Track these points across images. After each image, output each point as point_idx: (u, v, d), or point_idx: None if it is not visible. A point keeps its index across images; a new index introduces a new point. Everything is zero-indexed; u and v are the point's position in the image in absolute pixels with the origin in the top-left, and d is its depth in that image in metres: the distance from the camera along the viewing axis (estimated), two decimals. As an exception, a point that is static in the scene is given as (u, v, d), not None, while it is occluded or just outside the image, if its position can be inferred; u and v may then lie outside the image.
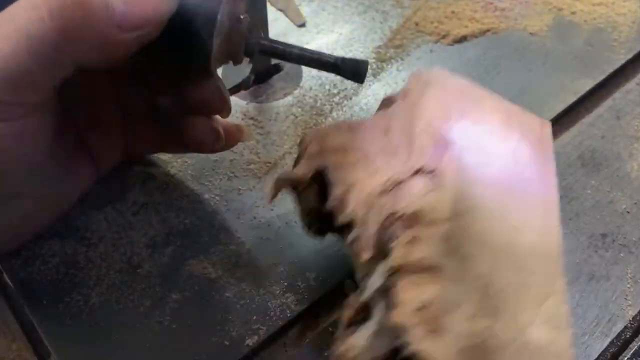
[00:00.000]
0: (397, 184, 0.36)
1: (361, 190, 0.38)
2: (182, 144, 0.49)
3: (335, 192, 0.39)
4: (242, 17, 0.42)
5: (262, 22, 0.58)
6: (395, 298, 0.31)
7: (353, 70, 0.44)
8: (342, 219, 0.39)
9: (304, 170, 0.41)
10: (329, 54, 0.45)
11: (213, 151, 0.51)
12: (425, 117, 0.41)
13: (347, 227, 0.39)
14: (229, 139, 0.49)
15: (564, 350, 0.32)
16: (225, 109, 0.47)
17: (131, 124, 0.49)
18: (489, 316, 0.32)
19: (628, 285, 0.48)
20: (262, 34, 0.44)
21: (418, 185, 0.36)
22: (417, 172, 0.36)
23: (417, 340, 0.29)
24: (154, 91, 0.47)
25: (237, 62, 0.44)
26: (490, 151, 0.41)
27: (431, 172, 0.36)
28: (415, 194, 0.35)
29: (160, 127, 0.49)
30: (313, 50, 0.45)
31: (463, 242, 0.34)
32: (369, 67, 0.62)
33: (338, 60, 0.44)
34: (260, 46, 0.44)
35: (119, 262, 0.48)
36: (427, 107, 0.42)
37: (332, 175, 0.40)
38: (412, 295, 0.31)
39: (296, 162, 0.43)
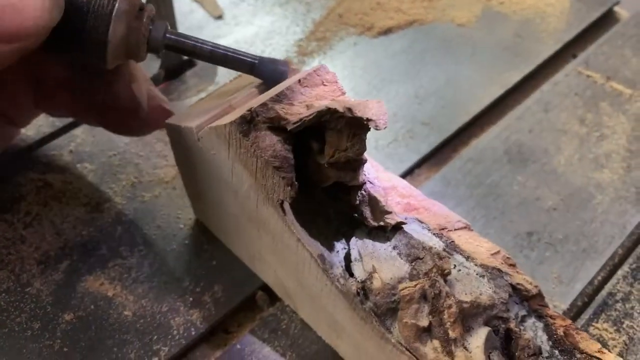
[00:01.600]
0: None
1: None
2: (99, 114, 0.44)
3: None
4: (143, 8, 0.37)
5: (169, 14, 0.53)
6: None
7: (271, 73, 0.39)
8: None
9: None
10: (246, 53, 0.39)
11: (131, 130, 0.45)
12: None
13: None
14: (153, 118, 0.44)
15: None
16: (139, 110, 0.42)
17: (40, 88, 0.44)
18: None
19: (553, 286, 0.46)
20: (169, 27, 0.39)
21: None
22: None
23: None
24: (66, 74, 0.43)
25: (139, 58, 0.39)
26: None
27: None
28: None
29: (74, 95, 0.44)
30: (228, 48, 0.39)
31: None
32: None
33: (256, 61, 0.39)
34: (166, 42, 0.38)
35: (6, 280, 0.44)
36: None
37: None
38: None
39: None
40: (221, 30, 0.62)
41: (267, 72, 0.39)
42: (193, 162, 0.42)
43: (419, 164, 0.54)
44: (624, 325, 0.45)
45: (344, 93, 0.36)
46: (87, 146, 0.52)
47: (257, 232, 0.40)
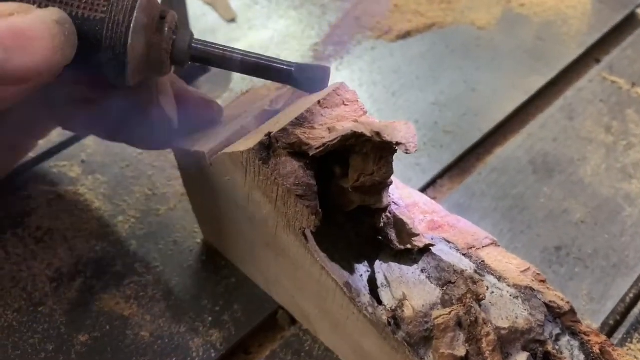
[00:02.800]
0: None
1: None
2: (126, 132, 0.41)
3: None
4: (165, 17, 0.33)
5: (182, 19, 0.51)
6: None
7: (309, 81, 0.35)
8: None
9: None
10: (280, 60, 0.35)
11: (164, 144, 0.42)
12: None
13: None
14: (196, 113, 0.40)
15: None
16: (167, 123, 0.39)
17: (62, 107, 0.41)
18: None
19: (583, 304, 0.45)
20: (194, 36, 0.35)
21: None
22: None
23: None
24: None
25: (163, 72, 0.35)
26: None
27: None
28: None
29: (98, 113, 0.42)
30: (261, 56, 0.35)
31: None
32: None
33: (292, 68, 0.35)
34: (192, 52, 0.34)
35: (18, 299, 0.42)
36: None
37: None
38: None
39: None
40: (235, 33, 0.61)
41: (305, 80, 0.35)
42: (203, 186, 0.40)
43: (441, 175, 0.53)
44: (658, 345, 0.43)
45: (365, 112, 0.34)
46: (98, 156, 0.50)
47: (274, 258, 0.38)
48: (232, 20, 0.62)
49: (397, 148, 0.30)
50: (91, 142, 0.51)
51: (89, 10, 0.31)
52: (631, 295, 0.46)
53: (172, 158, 0.50)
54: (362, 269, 0.35)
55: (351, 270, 0.34)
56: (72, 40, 0.31)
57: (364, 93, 0.57)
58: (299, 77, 0.35)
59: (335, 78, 0.58)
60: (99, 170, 0.50)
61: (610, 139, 0.55)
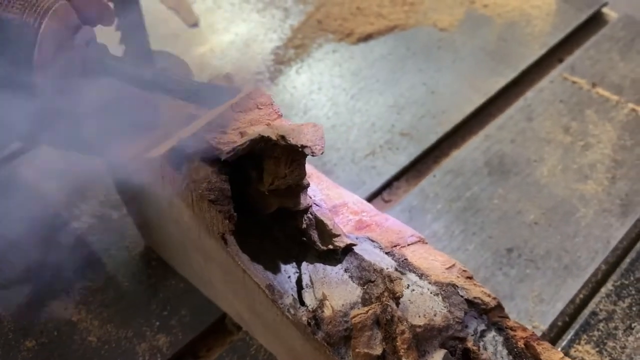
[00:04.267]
0: None
1: None
2: None
3: None
4: (79, 30, 0.35)
5: (137, 26, 0.52)
6: None
7: (213, 101, 0.36)
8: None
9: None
10: (191, 81, 0.36)
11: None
12: None
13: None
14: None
15: None
16: None
17: None
18: None
19: (533, 305, 0.45)
20: (107, 51, 0.36)
21: None
22: None
23: None
24: None
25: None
26: None
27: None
28: None
29: None
30: (173, 76, 0.36)
31: None
32: (268, 69, 0.57)
33: (199, 89, 0.35)
34: (102, 66, 0.35)
35: (-33, 306, 0.42)
36: None
37: None
38: None
39: None
40: (196, 38, 0.61)
41: (209, 99, 0.36)
42: (133, 192, 0.40)
43: (397, 177, 0.53)
44: (607, 347, 0.43)
45: (280, 116, 0.35)
46: (54, 164, 0.51)
47: (204, 262, 0.38)
48: (195, 24, 0.62)
49: (303, 151, 0.31)
50: (45, 149, 0.52)
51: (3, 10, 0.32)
52: (581, 296, 0.46)
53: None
54: (291, 270, 0.35)
55: (278, 272, 0.34)
56: None
57: (322, 96, 0.57)
58: (203, 96, 0.36)
59: (294, 82, 0.59)
60: (55, 177, 0.50)
61: (569, 140, 0.55)
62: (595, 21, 0.67)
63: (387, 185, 0.52)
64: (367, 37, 0.62)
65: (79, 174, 0.49)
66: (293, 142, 0.30)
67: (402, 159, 0.53)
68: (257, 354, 0.42)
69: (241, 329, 0.43)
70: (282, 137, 0.30)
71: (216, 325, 0.43)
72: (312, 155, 0.30)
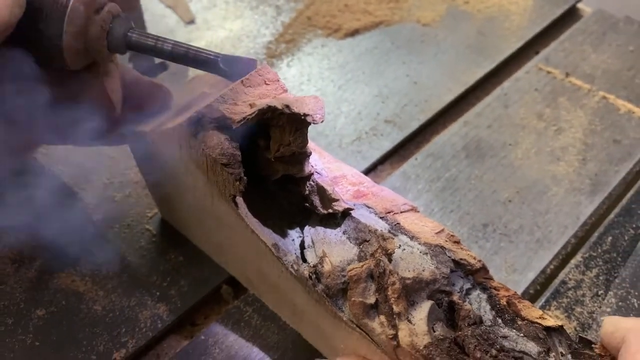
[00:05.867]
0: None
1: None
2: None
3: None
4: (103, 7, 0.37)
5: (137, 22, 0.55)
6: None
7: (238, 72, 0.39)
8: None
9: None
10: (209, 51, 0.39)
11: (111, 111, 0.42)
12: None
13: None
14: (146, 98, 0.43)
15: None
16: (111, 108, 0.41)
17: None
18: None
19: (506, 274, 0.48)
20: (132, 25, 0.38)
21: None
22: None
23: None
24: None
25: (102, 58, 0.39)
26: None
27: None
28: None
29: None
30: (191, 46, 0.39)
31: None
32: (260, 63, 0.61)
33: (219, 58, 0.38)
34: (126, 39, 0.38)
35: (-19, 280, 0.46)
36: None
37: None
38: None
39: None
40: (192, 34, 0.64)
41: (229, 70, 0.38)
42: (151, 164, 0.44)
43: (382, 161, 0.57)
44: (575, 312, 0.47)
45: (285, 90, 0.39)
46: (60, 150, 0.54)
47: (217, 227, 0.42)
48: (191, 21, 0.66)
49: (305, 119, 0.35)
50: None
51: None
52: (552, 267, 0.50)
53: (128, 149, 0.54)
54: (294, 234, 0.38)
55: (284, 235, 0.38)
56: (20, 1, 0.34)
57: (312, 87, 0.61)
58: (225, 68, 0.39)
59: (286, 74, 0.63)
60: (61, 162, 0.53)
61: (542, 125, 0.59)
62: (569, 16, 0.71)
63: (372, 169, 0.56)
64: (354, 33, 0.66)
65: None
66: (296, 110, 0.34)
67: (386, 144, 0.57)
68: (250, 319, 0.45)
69: (236, 298, 0.47)
70: (287, 106, 0.34)
71: (212, 295, 0.47)
72: (314, 123, 0.34)
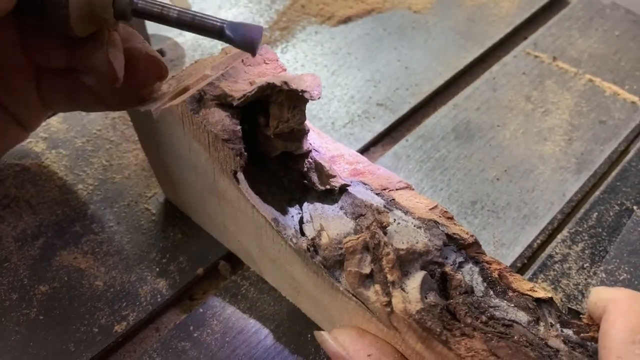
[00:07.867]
0: None
1: None
2: (91, 96, 0.44)
3: None
4: None
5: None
6: None
7: (243, 38, 0.37)
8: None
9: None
10: (215, 18, 0.38)
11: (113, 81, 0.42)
12: None
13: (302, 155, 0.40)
14: (141, 71, 0.43)
15: None
16: (114, 79, 0.41)
17: (41, 78, 0.44)
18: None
19: (494, 249, 0.50)
20: None
21: None
22: None
23: None
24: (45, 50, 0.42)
25: (108, 25, 0.39)
26: None
27: None
28: None
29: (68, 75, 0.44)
30: (197, 13, 0.38)
31: None
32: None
33: (225, 25, 0.37)
34: (132, 6, 0.37)
35: (-14, 257, 0.47)
36: None
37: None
38: None
39: None
40: (189, 23, 0.66)
41: (237, 37, 0.37)
42: (156, 143, 0.45)
43: (374, 143, 0.58)
44: (561, 284, 0.48)
45: (284, 70, 0.40)
46: (61, 134, 0.56)
47: (218, 204, 0.44)
48: (187, 10, 0.67)
49: (303, 95, 0.36)
50: (54, 122, 0.57)
51: None
52: (538, 241, 0.51)
53: (128, 133, 0.56)
54: (293, 211, 0.40)
55: (283, 211, 0.40)
56: None
57: (305, 72, 0.62)
58: (231, 34, 0.37)
59: (280, 60, 0.64)
60: (62, 145, 0.55)
61: (530, 107, 0.60)
62: (557, 2, 0.73)
63: (365, 150, 0.58)
64: (346, 20, 0.67)
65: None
66: (294, 87, 0.36)
67: (378, 127, 0.58)
68: (247, 293, 0.47)
69: (234, 274, 0.48)
70: (285, 83, 0.36)
71: (210, 270, 0.48)
72: (311, 99, 0.36)
